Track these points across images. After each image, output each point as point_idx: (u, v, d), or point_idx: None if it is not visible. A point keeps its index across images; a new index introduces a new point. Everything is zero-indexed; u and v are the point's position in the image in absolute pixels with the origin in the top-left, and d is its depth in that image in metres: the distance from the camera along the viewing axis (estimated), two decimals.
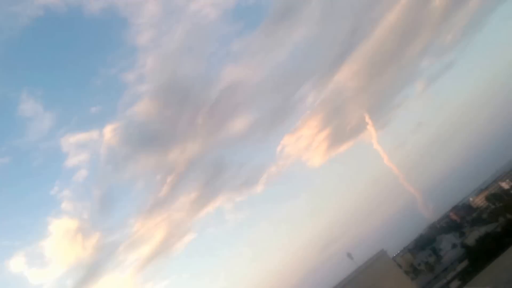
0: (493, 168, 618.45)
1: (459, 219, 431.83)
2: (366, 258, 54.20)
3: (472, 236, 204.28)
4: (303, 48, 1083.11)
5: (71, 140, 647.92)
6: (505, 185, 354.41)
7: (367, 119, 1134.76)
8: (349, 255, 56.63)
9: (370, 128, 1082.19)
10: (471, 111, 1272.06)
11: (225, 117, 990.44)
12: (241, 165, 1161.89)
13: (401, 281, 53.18)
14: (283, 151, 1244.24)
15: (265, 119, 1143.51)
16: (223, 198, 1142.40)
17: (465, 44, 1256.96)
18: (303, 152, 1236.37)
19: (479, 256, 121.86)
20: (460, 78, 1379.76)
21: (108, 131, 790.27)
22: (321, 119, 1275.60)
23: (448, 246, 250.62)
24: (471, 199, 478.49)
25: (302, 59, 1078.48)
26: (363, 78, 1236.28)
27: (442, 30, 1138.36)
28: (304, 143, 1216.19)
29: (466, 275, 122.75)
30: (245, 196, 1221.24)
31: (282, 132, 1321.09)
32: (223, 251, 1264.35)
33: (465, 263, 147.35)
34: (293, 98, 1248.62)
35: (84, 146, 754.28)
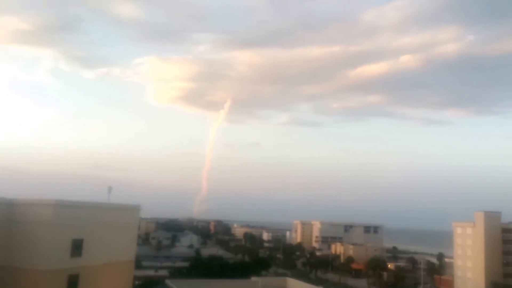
0: (279, 217, 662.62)
1: (213, 231, 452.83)
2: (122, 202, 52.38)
3: (209, 251, 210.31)
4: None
5: None
6: (265, 235, 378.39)
7: (227, 106, 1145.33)
8: (109, 189, 52.09)
9: (222, 113, 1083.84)
10: (299, 166, 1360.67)
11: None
12: (93, 42, 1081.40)
13: (128, 235, 51.43)
14: (139, 65, 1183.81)
15: (153, 26, 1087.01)
16: (52, 54, 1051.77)
17: (341, 121, 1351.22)
18: (154, 81, 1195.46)
19: (198, 267, 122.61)
20: (310, 140, 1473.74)
21: None
22: (196, 72, 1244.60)
23: (187, 243, 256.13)
24: (235, 225, 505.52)
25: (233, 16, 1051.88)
26: (255, 74, 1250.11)
27: (341, 94, 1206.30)
28: (162, 75, 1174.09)
29: (174, 273, 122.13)
30: (69, 69, 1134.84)
31: (154, 50, 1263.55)
32: None
33: (185, 264, 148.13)
34: (195, 35, 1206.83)
35: None
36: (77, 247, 41.75)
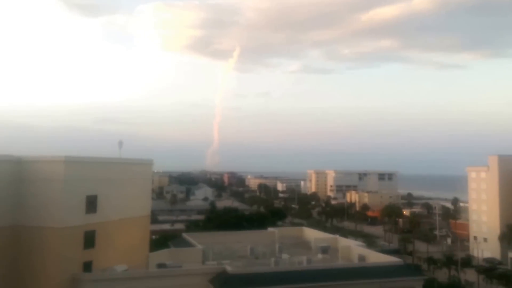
0: (292, 167, 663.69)
1: (227, 183, 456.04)
2: (134, 157, 51.22)
3: (224, 203, 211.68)
4: None
5: None
6: (280, 185, 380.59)
7: (236, 54, 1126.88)
8: (120, 144, 50.40)
9: (231, 62, 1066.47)
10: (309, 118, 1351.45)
11: None
12: None
13: (142, 190, 50.74)
14: (143, 12, 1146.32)
15: None
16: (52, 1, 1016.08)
17: (353, 68, 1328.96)
18: (159, 29, 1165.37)
19: (214, 220, 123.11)
20: (321, 87, 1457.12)
21: None
22: (203, 18, 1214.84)
23: (202, 196, 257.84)
24: (249, 177, 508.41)
25: None
26: (264, 20, 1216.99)
27: (353, 39, 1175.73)
28: (168, 23, 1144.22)
29: (190, 226, 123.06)
30: (71, 17, 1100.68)
31: None
32: None
33: (200, 217, 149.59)
34: None
35: None
36: (91, 204, 41.27)
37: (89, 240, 40.83)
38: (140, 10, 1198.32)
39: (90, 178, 41.51)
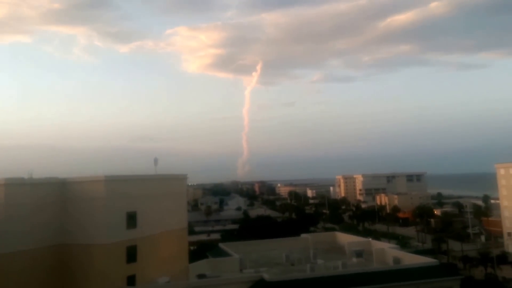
0: (320, 174, 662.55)
1: (258, 192, 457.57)
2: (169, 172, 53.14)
3: (256, 211, 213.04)
4: None
5: None
6: (309, 192, 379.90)
7: (259, 68, 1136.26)
8: (155, 161, 53.00)
9: (255, 76, 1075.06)
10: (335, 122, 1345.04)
11: None
12: (124, 16, 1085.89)
13: (178, 204, 52.48)
14: (170, 37, 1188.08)
15: None
16: (86, 31, 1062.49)
17: (373, 74, 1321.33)
18: (186, 51, 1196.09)
19: (248, 229, 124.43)
20: (344, 95, 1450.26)
21: None
22: (226, 37, 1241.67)
23: (235, 205, 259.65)
24: (279, 185, 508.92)
25: None
26: (284, 34, 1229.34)
27: (372, 47, 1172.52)
28: (193, 44, 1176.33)
29: (226, 235, 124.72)
30: (104, 45, 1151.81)
31: (184, 20, 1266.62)
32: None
33: (235, 226, 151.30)
34: (221, 0, 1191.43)
35: None
36: (131, 219, 43.24)
37: (131, 254, 42.76)
38: (167, 35, 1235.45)
39: (129, 195, 43.57)
